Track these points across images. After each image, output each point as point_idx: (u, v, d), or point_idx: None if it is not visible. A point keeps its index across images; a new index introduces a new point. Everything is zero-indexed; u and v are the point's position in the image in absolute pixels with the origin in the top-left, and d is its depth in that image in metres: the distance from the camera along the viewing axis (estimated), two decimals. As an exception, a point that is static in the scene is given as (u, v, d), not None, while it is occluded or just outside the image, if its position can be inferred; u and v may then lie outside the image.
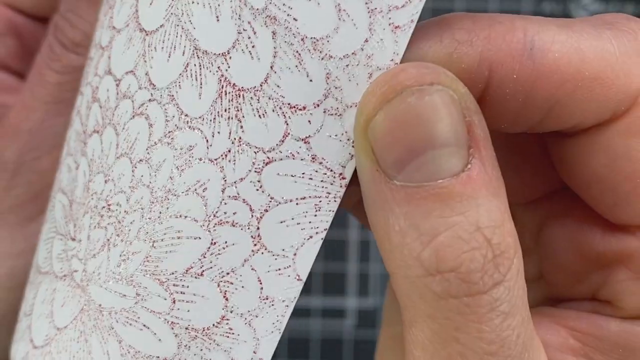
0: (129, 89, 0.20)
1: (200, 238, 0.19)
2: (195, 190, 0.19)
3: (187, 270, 0.19)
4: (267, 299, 0.19)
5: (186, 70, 0.19)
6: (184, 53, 0.19)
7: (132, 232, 0.20)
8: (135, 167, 0.20)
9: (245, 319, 0.19)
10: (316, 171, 0.18)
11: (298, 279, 0.19)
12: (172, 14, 0.19)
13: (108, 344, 0.20)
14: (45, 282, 0.22)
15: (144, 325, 0.19)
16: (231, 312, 0.19)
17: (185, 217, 0.19)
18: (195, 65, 0.19)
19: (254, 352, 0.19)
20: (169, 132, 0.19)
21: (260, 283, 0.19)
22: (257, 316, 0.19)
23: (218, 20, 0.19)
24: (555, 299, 0.22)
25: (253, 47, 0.18)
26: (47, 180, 0.29)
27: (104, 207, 0.20)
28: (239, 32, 0.18)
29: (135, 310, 0.20)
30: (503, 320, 0.17)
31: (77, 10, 0.27)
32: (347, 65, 0.18)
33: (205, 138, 0.19)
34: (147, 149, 0.20)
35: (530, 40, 0.18)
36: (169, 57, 0.19)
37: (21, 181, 0.29)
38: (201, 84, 0.19)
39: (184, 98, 0.19)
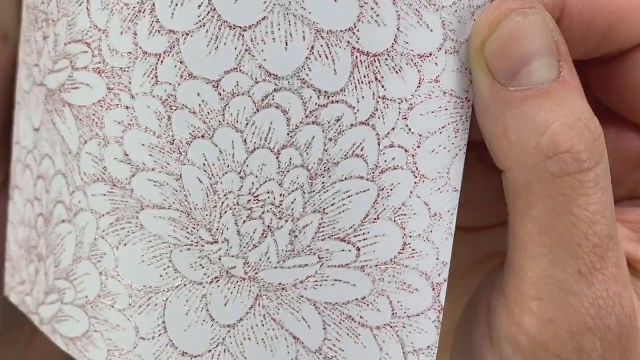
0: (238, 87, 0.21)
1: (369, 190, 0.22)
2: (354, 152, 0.21)
3: (363, 220, 0.22)
4: (435, 215, 0.23)
5: (312, 53, 0.21)
6: (304, 38, 0.21)
7: (296, 209, 0.21)
8: (279, 154, 0.21)
9: (423, 237, 0.23)
10: (448, 102, 0.22)
11: (455, 190, 0.23)
12: (275, 4, 0.20)
13: (302, 311, 0.22)
14: (179, 296, 0.22)
15: (335, 280, 0.22)
16: (410, 237, 0.22)
17: (350, 177, 0.21)
18: (322, 45, 0.21)
19: (436, 258, 0.23)
20: (311, 112, 0.21)
21: (427, 205, 0.22)
22: (431, 231, 0.23)
23: (335, 0, 0.20)
24: None
25: (378, 15, 0.21)
26: None
27: (249, 200, 0.21)
28: (360, 6, 0.21)
29: (322, 272, 0.22)
30: (603, 194, 0.21)
31: None
32: (455, 11, 0.21)
33: (352, 106, 0.21)
34: (288, 134, 0.21)
35: None
36: (287, 45, 0.21)
37: None
38: (333, 60, 0.21)
39: (317, 78, 0.21)
